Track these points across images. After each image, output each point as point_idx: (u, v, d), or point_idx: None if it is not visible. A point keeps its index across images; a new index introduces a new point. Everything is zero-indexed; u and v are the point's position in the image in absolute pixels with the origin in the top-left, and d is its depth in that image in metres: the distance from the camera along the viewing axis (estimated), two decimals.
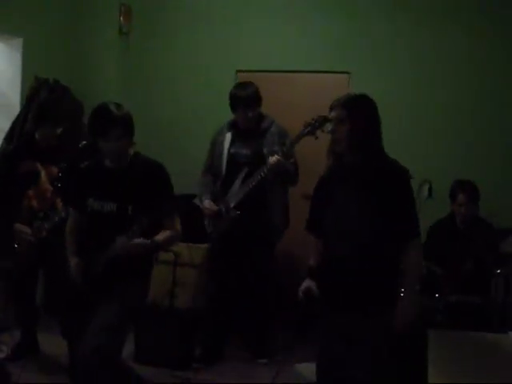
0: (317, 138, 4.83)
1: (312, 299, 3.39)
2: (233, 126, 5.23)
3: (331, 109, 3.34)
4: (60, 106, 5.35)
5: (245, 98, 5.06)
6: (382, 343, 3.24)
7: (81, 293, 3.68)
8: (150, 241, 3.53)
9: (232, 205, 5.01)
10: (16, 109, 5.99)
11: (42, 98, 5.78)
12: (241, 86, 5.22)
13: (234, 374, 4.97)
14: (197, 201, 5.42)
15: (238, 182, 5.04)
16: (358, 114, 3.27)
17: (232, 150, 5.16)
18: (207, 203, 5.16)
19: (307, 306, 3.43)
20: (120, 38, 6.71)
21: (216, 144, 5.26)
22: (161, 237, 3.63)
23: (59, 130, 4.83)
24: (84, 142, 4.87)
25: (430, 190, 5.27)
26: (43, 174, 4.78)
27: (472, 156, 5.91)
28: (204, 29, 6.58)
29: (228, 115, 5.26)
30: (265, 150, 5.05)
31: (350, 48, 6.25)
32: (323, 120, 4.77)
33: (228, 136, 5.21)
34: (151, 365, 4.89)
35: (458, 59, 5.99)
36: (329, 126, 3.37)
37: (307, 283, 3.46)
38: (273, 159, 4.86)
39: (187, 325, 5.12)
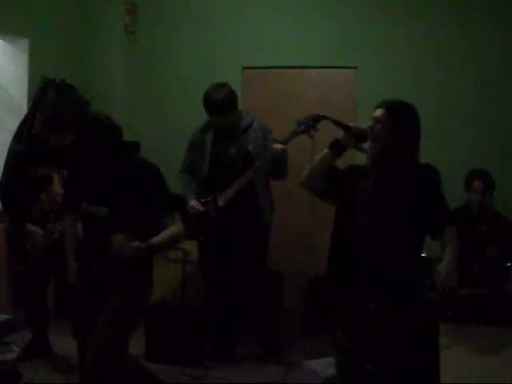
0: (311, 136, 4.75)
1: None
2: (213, 125, 5.11)
3: (377, 107, 3.43)
4: (72, 111, 5.33)
5: (214, 104, 4.92)
6: (398, 336, 3.25)
7: (87, 294, 3.69)
8: (145, 244, 3.52)
9: (221, 203, 4.88)
10: (23, 109, 5.99)
11: (52, 102, 5.75)
12: (213, 89, 4.98)
13: (245, 372, 4.95)
14: None
15: (225, 181, 4.90)
16: (399, 116, 3.38)
17: (215, 150, 5.04)
18: (194, 203, 5.00)
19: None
20: (126, 37, 6.70)
21: (196, 144, 5.14)
22: (158, 239, 3.60)
23: (72, 136, 4.83)
24: None
25: None
26: (56, 178, 4.79)
27: (478, 150, 5.91)
28: (210, 26, 6.56)
29: None
30: (250, 147, 4.95)
31: (357, 43, 6.23)
32: (317, 118, 4.71)
33: (209, 135, 5.09)
34: (162, 363, 4.89)
35: (463, 56, 5.98)
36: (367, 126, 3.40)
37: None
38: (277, 146, 4.77)
39: (198, 323, 5.11)
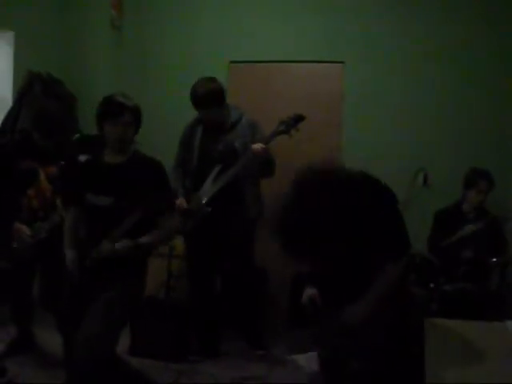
0: (291, 136, 4.77)
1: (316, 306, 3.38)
2: (202, 121, 5.12)
3: None
4: (60, 109, 5.30)
5: (201, 98, 4.90)
6: (381, 333, 3.25)
7: (77, 288, 3.68)
8: (133, 242, 3.54)
9: (204, 201, 4.88)
10: (8, 103, 5.96)
11: (41, 98, 5.71)
12: (200, 83, 4.97)
13: (230, 367, 4.95)
14: None
15: (209, 179, 4.92)
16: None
17: (202, 146, 5.05)
18: (179, 200, 5.02)
19: (312, 312, 3.41)
20: (112, 31, 6.67)
21: (186, 139, 5.17)
22: (147, 238, 3.65)
23: (59, 137, 4.81)
24: (78, 135, 4.84)
25: (425, 178, 5.28)
26: (42, 173, 4.76)
27: (466, 144, 5.91)
28: (197, 20, 6.54)
29: None
30: (236, 144, 4.95)
31: (344, 37, 6.22)
32: (298, 118, 4.72)
33: (198, 131, 5.10)
34: (147, 357, 4.89)
35: (451, 49, 5.98)
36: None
37: (310, 291, 3.42)
38: (257, 146, 4.77)
39: (183, 317, 5.10)
